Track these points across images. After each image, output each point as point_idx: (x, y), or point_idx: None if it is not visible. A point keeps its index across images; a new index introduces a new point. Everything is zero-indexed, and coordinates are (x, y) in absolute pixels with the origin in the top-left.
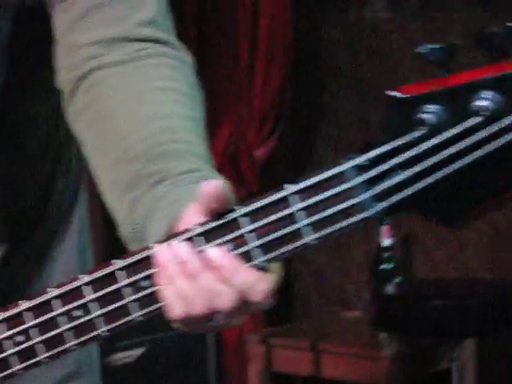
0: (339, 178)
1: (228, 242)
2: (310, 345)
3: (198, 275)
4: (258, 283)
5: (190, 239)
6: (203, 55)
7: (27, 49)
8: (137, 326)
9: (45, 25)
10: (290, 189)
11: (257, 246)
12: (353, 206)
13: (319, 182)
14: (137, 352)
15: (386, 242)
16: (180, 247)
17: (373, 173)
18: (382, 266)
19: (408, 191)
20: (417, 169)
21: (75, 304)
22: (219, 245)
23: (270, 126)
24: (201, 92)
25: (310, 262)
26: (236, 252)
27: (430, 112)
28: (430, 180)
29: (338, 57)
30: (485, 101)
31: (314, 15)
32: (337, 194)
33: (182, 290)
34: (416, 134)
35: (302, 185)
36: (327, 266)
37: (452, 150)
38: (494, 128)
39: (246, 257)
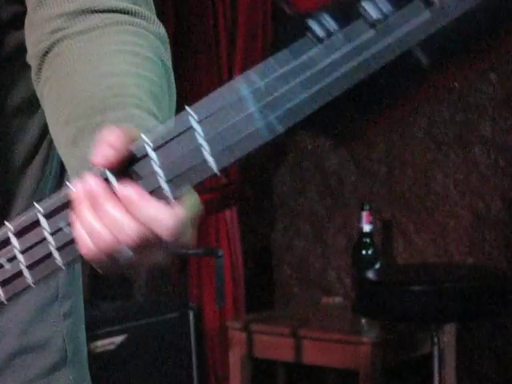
0: (237, 102)
1: (134, 174)
2: (291, 331)
3: (103, 207)
4: (165, 216)
5: (100, 175)
6: (183, 34)
7: (4, 29)
8: (118, 313)
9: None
10: (193, 118)
11: (163, 179)
12: (252, 130)
13: (218, 109)
14: (118, 339)
15: (367, 227)
16: (87, 181)
17: (269, 94)
18: (363, 252)
19: (305, 110)
20: (314, 86)
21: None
22: (126, 178)
23: None
24: (168, 67)
25: (290, 248)
26: (143, 185)
27: (323, 25)
28: (327, 96)
29: None
30: (375, 10)
31: None
32: (236, 120)
33: (87, 223)
34: (311, 49)
35: (202, 113)
36: (308, 252)
37: (346, 64)
38: (386, 40)
39: (153, 190)
